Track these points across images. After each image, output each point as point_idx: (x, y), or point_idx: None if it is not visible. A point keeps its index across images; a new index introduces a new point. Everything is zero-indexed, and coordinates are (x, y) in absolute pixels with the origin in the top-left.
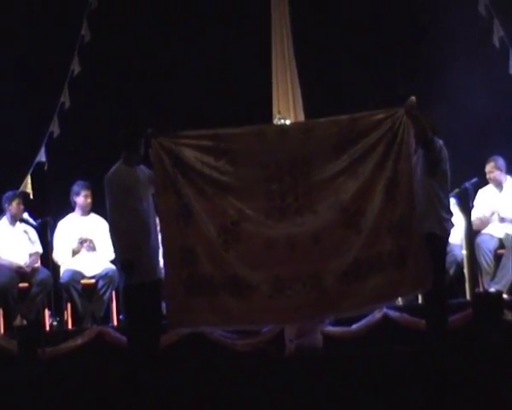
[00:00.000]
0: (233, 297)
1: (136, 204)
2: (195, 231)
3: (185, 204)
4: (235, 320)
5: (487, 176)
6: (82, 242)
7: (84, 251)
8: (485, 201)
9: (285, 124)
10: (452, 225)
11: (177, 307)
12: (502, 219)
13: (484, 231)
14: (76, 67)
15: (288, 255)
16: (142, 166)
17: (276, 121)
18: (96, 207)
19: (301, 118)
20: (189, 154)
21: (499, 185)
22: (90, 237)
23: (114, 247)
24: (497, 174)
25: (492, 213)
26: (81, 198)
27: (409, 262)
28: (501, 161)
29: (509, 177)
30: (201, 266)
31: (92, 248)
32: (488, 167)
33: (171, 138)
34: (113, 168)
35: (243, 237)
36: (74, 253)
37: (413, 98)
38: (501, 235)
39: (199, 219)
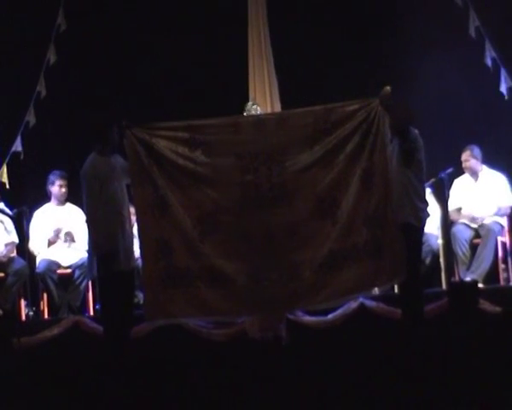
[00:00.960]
0: (209, 288)
1: (112, 194)
2: (171, 222)
3: (161, 196)
4: (212, 311)
5: (463, 165)
6: (58, 233)
7: (60, 242)
8: (461, 191)
9: (260, 114)
10: (428, 214)
11: (154, 299)
12: (473, 219)
13: (460, 221)
14: (52, 57)
15: (264, 246)
16: (116, 156)
17: (248, 108)
18: (72, 197)
19: (277, 107)
20: (164, 145)
21: (475, 174)
22: (65, 228)
23: (90, 237)
24: (473, 163)
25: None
26: (56, 188)
27: (384, 253)
28: (477, 150)
29: (484, 166)
30: (178, 257)
31: (71, 240)
32: (464, 156)
33: (146, 129)
34: (88, 160)
35: (219, 228)
36: (50, 243)
37: (388, 88)
38: (476, 225)
39: (174, 210)
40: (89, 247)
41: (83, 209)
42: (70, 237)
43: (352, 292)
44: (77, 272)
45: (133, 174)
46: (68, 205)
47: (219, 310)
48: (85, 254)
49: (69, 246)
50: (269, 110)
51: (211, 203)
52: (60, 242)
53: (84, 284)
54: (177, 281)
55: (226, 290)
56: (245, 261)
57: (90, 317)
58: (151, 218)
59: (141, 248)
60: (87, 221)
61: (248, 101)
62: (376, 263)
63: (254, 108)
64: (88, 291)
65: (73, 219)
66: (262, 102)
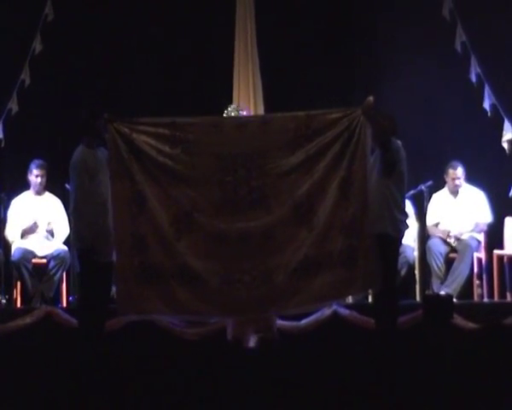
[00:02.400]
0: (182, 287)
1: (99, 187)
2: (148, 218)
3: (139, 191)
4: (184, 310)
5: (453, 182)
6: (35, 226)
7: (39, 236)
8: (440, 205)
9: (242, 116)
10: (406, 226)
11: (126, 294)
12: (449, 236)
13: (436, 235)
14: (38, 46)
15: (239, 248)
16: (102, 149)
17: (230, 110)
18: (52, 187)
19: (261, 109)
20: (145, 141)
21: (456, 191)
22: (42, 219)
23: (75, 229)
24: (462, 182)
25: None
26: (33, 177)
27: (359, 262)
28: (464, 167)
29: (463, 182)
30: (152, 254)
31: (51, 234)
32: (457, 173)
33: (128, 124)
34: (77, 152)
35: (195, 227)
36: (25, 233)
37: (371, 98)
38: (452, 239)
39: (152, 206)
40: (72, 239)
41: (61, 199)
42: (50, 234)
43: (324, 299)
44: (52, 263)
45: (112, 168)
46: (47, 194)
47: (191, 309)
48: (61, 245)
49: (49, 239)
50: (252, 112)
51: (188, 202)
52: (38, 235)
53: (58, 274)
54: (151, 277)
55: (198, 290)
56: (219, 262)
57: (62, 308)
58: (128, 213)
59: (116, 242)
60: (73, 213)
61: (232, 101)
62: (350, 272)
63: (235, 112)
64: (62, 282)
65: (51, 208)
66: (245, 103)
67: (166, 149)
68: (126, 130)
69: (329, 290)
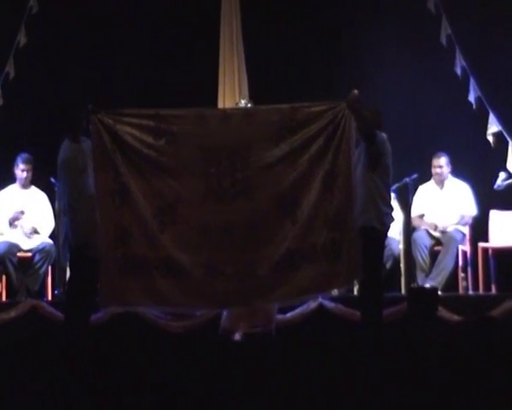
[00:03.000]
0: (165, 279)
1: (88, 181)
2: (131, 210)
3: (122, 183)
4: (167, 302)
5: (435, 170)
6: (21, 214)
7: (21, 234)
8: (426, 198)
9: (227, 108)
10: (392, 219)
11: (109, 286)
12: (434, 228)
13: (421, 227)
14: (22, 38)
15: (223, 240)
16: (87, 140)
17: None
18: (37, 180)
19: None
20: (129, 132)
21: (441, 183)
22: (27, 217)
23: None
24: (445, 171)
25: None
26: (18, 171)
27: (342, 256)
28: (448, 158)
29: (449, 175)
30: (135, 246)
31: (35, 232)
32: (437, 162)
33: (112, 115)
34: (64, 148)
35: (179, 219)
36: (12, 221)
37: (356, 92)
38: (438, 232)
39: (135, 198)
40: (65, 235)
41: (47, 193)
42: (33, 231)
43: (307, 292)
44: (37, 256)
45: (96, 159)
46: (33, 188)
47: (174, 301)
48: (46, 239)
49: (30, 238)
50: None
51: (172, 194)
52: (22, 231)
53: (43, 268)
54: (134, 269)
55: (182, 282)
56: (202, 254)
57: (47, 302)
58: (111, 204)
59: (99, 234)
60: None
61: (217, 95)
62: (334, 266)
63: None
64: (47, 276)
65: (37, 202)
66: (230, 96)
67: (150, 140)
68: (110, 121)
69: (313, 283)
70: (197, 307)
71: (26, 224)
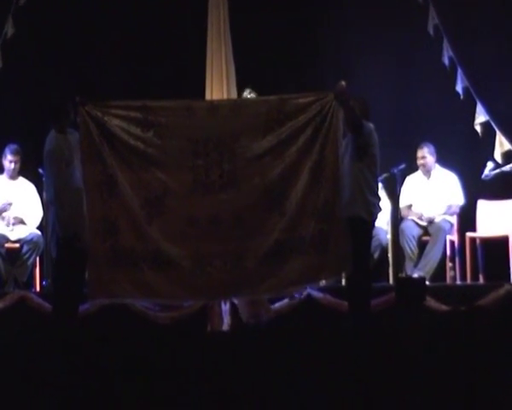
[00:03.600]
0: (153, 271)
1: (74, 173)
2: (119, 202)
3: (110, 175)
4: (155, 294)
5: (419, 161)
6: (8, 205)
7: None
8: (413, 188)
9: (214, 100)
10: (380, 209)
11: (97, 278)
12: (422, 218)
13: (409, 217)
14: (10, 29)
15: (211, 232)
16: (73, 132)
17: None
18: (25, 171)
19: (234, 93)
20: (117, 124)
21: (428, 172)
22: (13, 209)
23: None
24: (429, 161)
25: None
26: (7, 162)
27: (330, 247)
28: (432, 148)
29: (437, 165)
30: (123, 237)
31: (19, 223)
32: (421, 153)
33: (99, 107)
34: (50, 139)
35: (166, 211)
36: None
37: (343, 83)
38: (424, 222)
39: (123, 190)
40: (52, 226)
41: (35, 184)
42: (17, 221)
43: (295, 284)
44: (25, 247)
45: (84, 151)
46: (21, 179)
47: (162, 293)
48: (34, 230)
49: (12, 230)
50: (225, 96)
51: (160, 186)
52: (7, 222)
53: (31, 259)
54: (122, 261)
55: (170, 274)
56: (190, 246)
57: (36, 293)
58: (99, 196)
59: (87, 226)
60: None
61: (205, 86)
62: (322, 257)
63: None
64: (35, 267)
65: (24, 193)
66: (218, 87)
67: (138, 132)
68: (98, 113)
69: (301, 275)
70: (185, 299)
71: (11, 215)
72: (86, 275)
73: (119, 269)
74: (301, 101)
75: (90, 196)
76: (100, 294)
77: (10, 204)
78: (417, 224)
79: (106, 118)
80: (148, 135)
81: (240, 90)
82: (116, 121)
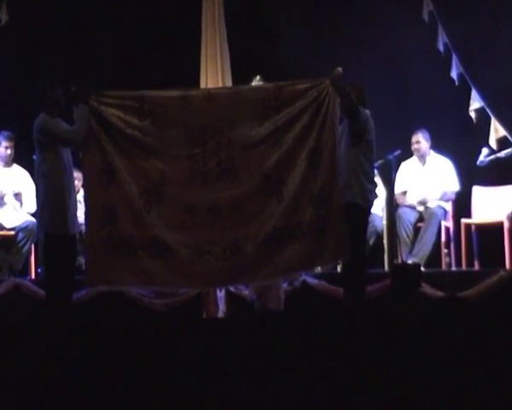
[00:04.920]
0: (152, 259)
1: (63, 157)
2: (118, 189)
3: (109, 162)
4: (153, 281)
5: (413, 147)
6: (1, 200)
7: (8, 207)
8: (408, 174)
9: (211, 88)
10: (376, 196)
11: (96, 265)
12: (421, 202)
13: (406, 203)
14: (4, 16)
15: (209, 220)
16: (60, 120)
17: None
18: (18, 158)
19: (228, 81)
20: (113, 113)
21: (423, 158)
22: (10, 190)
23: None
24: (424, 146)
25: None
26: (2, 149)
27: (328, 233)
28: (427, 134)
29: (432, 151)
30: (122, 225)
31: (20, 204)
32: (415, 138)
33: (95, 97)
34: (40, 119)
35: (165, 199)
36: None
37: (339, 69)
38: (421, 208)
39: (122, 178)
40: (39, 205)
41: (29, 171)
42: (19, 198)
43: (294, 270)
44: (20, 235)
45: (83, 140)
46: (15, 166)
47: (161, 281)
48: (29, 217)
49: (16, 208)
50: (220, 84)
51: (157, 174)
52: (6, 207)
53: (26, 247)
54: (120, 249)
55: (168, 262)
56: (188, 234)
57: (31, 280)
58: (98, 184)
59: (86, 213)
60: (39, 179)
61: (200, 74)
62: (320, 243)
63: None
64: (30, 254)
65: (20, 181)
66: (213, 75)
67: (135, 121)
68: (94, 103)
69: (299, 261)
70: (183, 287)
71: (8, 200)
72: (80, 261)
73: (118, 257)
74: (298, 87)
75: (90, 183)
76: (98, 281)
77: (3, 194)
78: (413, 209)
79: (102, 107)
80: (144, 124)
81: (246, 79)
82: (112, 110)
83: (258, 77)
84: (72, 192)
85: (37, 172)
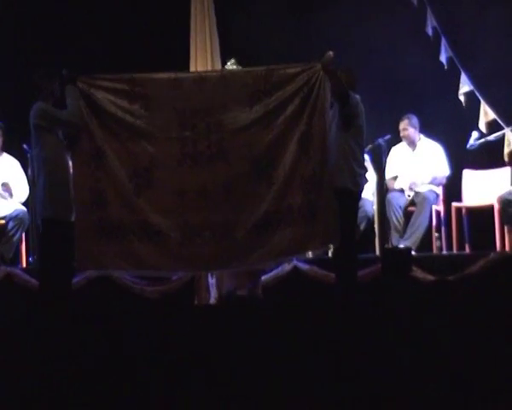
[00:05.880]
0: (142, 243)
1: (59, 144)
2: (107, 173)
3: (98, 147)
4: (144, 266)
5: (401, 134)
6: None
7: None
8: (398, 159)
9: (201, 71)
10: (366, 180)
11: (85, 249)
12: (411, 187)
13: (395, 188)
14: None
15: (199, 203)
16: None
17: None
18: (9, 149)
19: (218, 65)
20: (104, 96)
21: (412, 143)
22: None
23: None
24: (411, 132)
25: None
26: None
27: (318, 218)
28: (415, 119)
29: (422, 135)
30: (111, 209)
31: (8, 192)
32: (402, 125)
33: (86, 80)
34: (37, 107)
35: (155, 182)
36: None
37: (330, 53)
38: (411, 193)
39: (111, 162)
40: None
41: (19, 160)
42: (7, 189)
43: (284, 254)
44: (10, 224)
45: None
46: (5, 155)
47: (151, 265)
48: (20, 206)
49: (6, 198)
50: (209, 67)
51: (147, 157)
52: None
53: (17, 235)
54: (110, 233)
55: (159, 245)
56: (179, 218)
57: (22, 269)
58: (87, 168)
59: (75, 198)
60: (39, 166)
61: (189, 56)
62: (310, 227)
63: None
64: (21, 243)
65: (11, 169)
66: (202, 59)
67: (125, 104)
68: (85, 86)
69: (290, 245)
70: (174, 271)
71: None
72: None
73: (108, 241)
74: (288, 71)
75: (78, 168)
76: (88, 265)
77: None
78: (404, 194)
79: (92, 91)
80: (135, 107)
81: (224, 62)
82: (103, 94)
83: (232, 60)
84: (68, 178)
85: (37, 159)
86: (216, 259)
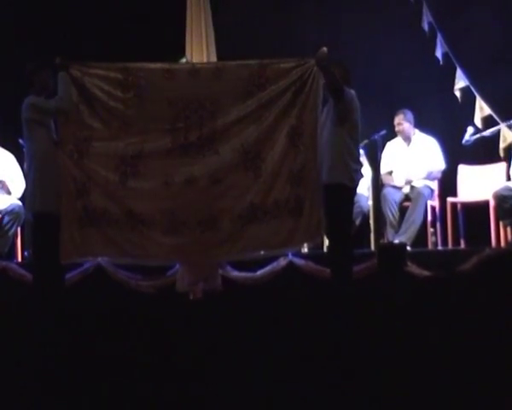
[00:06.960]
0: (127, 231)
1: (51, 136)
2: (93, 162)
3: (85, 136)
4: (128, 254)
5: (396, 128)
6: None
7: None
8: (393, 154)
9: (196, 63)
10: (361, 175)
11: (69, 238)
12: (407, 182)
13: (390, 183)
14: None
15: (185, 193)
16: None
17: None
18: (3, 142)
19: (213, 58)
20: (97, 84)
21: (407, 138)
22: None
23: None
24: (406, 127)
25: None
26: None
27: (304, 212)
28: (409, 114)
29: (417, 130)
30: (96, 198)
31: (6, 191)
32: (397, 120)
33: (79, 67)
34: (29, 98)
35: (142, 171)
36: None
37: (324, 49)
38: (407, 188)
39: (98, 151)
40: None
41: (16, 156)
42: (4, 186)
43: (269, 247)
44: (6, 218)
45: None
46: (0, 150)
47: (135, 253)
48: (15, 200)
49: (2, 194)
50: (204, 59)
51: (137, 147)
52: None
53: (12, 230)
54: (95, 222)
55: (144, 234)
56: (164, 206)
57: (17, 263)
58: (71, 156)
59: (61, 188)
60: (30, 159)
61: (185, 50)
62: (296, 222)
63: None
64: (16, 238)
65: (6, 164)
66: (198, 51)
67: (118, 93)
68: (78, 73)
69: (274, 238)
70: (159, 260)
71: None
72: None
73: (93, 229)
74: (283, 66)
75: (64, 156)
76: (72, 255)
77: None
78: (399, 189)
79: (85, 78)
80: (128, 96)
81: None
82: (96, 82)
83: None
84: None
85: (27, 152)
86: (200, 248)
